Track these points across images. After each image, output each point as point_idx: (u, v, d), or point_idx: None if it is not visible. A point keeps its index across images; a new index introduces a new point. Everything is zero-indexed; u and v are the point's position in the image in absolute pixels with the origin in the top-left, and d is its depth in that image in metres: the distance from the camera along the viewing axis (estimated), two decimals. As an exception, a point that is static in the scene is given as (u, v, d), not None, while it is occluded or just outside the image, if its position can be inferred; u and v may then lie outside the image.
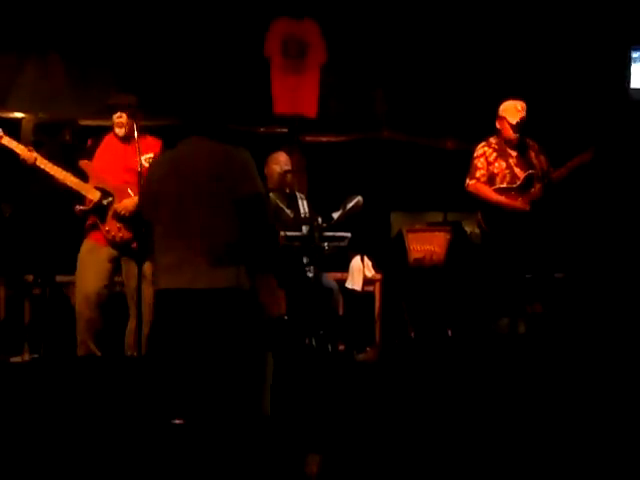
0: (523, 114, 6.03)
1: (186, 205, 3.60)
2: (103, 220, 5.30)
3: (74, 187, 5.26)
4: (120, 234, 5.27)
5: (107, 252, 5.32)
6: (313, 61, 7.72)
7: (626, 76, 7.63)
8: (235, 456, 3.52)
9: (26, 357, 6.22)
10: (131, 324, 5.34)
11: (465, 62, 7.73)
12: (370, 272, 6.88)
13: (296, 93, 7.69)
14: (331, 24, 7.69)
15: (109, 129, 5.48)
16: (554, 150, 6.27)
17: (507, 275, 5.99)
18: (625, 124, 7.29)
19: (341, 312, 6.56)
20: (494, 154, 6.11)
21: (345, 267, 6.75)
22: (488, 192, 6.05)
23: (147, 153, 5.21)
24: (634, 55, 7.62)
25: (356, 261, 6.70)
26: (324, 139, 7.85)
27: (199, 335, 3.55)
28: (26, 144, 5.36)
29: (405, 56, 7.75)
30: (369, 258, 6.82)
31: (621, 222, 7.22)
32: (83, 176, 5.32)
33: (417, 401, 4.80)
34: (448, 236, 6.85)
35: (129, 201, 5.24)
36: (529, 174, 6.05)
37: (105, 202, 5.30)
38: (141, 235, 4.93)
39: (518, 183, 6.05)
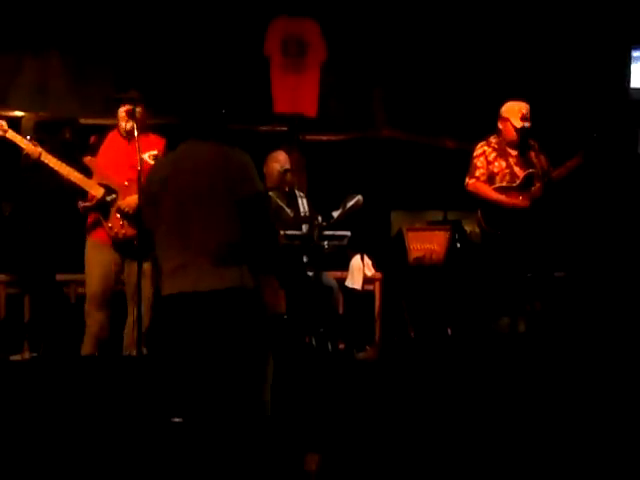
0: (529, 123, 6.01)
1: (187, 207, 3.60)
2: (106, 217, 5.30)
3: (78, 183, 5.26)
4: (123, 231, 5.27)
5: (110, 251, 5.32)
6: (313, 60, 7.73)
7: (626, 76, 7.64)
8: (237, 455, 3.52)
9: (26, 355, 6.22)
10: (129, 323, 5.34)
11: (465, 61, 7.73)
12: (370, 271, 6.88)
13: (296, 92, 7.70)
14: (331, 23, 7.70)
15: (110, 127, 5.49)
16: (554, 149, 6.27)
17: (507, 274, 5.99)
18: (625, 123, 7.30)
19: (341, 311, 6.56)
20: (494, 153, 6.11)
21: (345, 266, 6.75)
22: (488, 191, 6.05)
23: (150, 150, 5.21)
24: (634, 55, 7.63)
25: (356, 260, 6.69)
26: (324, 138, 7.85)
27: (206, 337, 3.55)
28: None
29: (405, 55, 7.75)
30: (369, 257, 6.82)
31: (621, 221, 7.22)
32: (87, 172, 5.32)
33: (417, 400, 4.80)
34: (448, 235, 6.85)
35: (132, 198, 5.23)
36: (529, 173, 6.05)
37: (109, 199, 5.29)
38: (143, 233, 4.93)
39: (518, 182, 6.05)
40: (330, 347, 5.99)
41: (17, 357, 6.19)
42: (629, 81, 7.65)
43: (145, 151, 5.13)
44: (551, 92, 7.52)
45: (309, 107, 7.72)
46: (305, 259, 5.85)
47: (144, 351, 4.99)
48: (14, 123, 5.30)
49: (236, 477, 3.52)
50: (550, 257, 6.24)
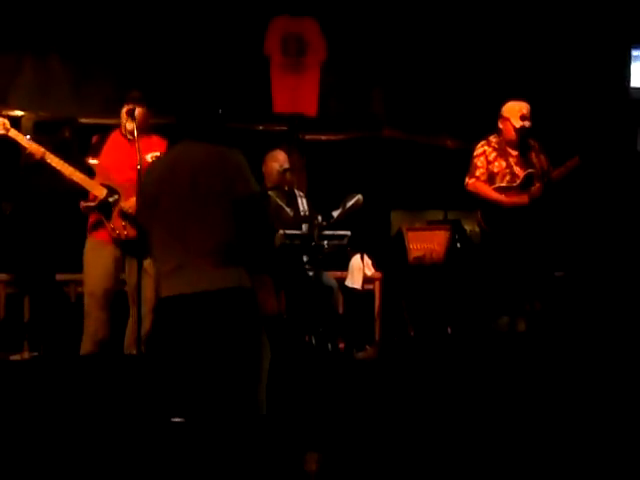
0: (529, 123, 6.02)
1: (184, 208, 3.60)
2: (108, 217, 5.29)
3: (80, 183, 5.25)
4: (125, 232, 5.26)
5: (111, 251, 5.31)
6: (313, 59, 7.73)
7: (626, 75, 7.64)
8: (235, 454, 3.52)
9: (26, 355, 6.22)
10: (131, 323, 5.34)
11: (465, 61, 7.73)
12: (370, 270, 6.89)
13: (296, 92, 7.70)
14: (331, 23, 7.70)
15: (110, 127, 5.48)
16: (554, 149, 6.27)
17: (507, 273, 5.99)
18: (625, 123, 7.30)
19: (341, 310, 6.57)
20: (494, 153, 6.11)
21: (345, 265, 6.75)
22: (488, 191, 6.05)
23: (153, 151, 5.20)
24: (634, 54, 7.63)
25: (356, 259, 6.70)
26: (324, 138, 7.85)
27: (206, 338, 3.55)
28: None
29: (405, 55, 7.76)
30: (369, 256, 6.82)
31: (621, 221, 7.22)
32: (89, 173, 5.31)
33: (417, 399, 4.80)
34: (448, 235, 6.85)
35: (135, 199, 5.22)
36: (529, 173, 6.05)
37: (111, 199, 5.28)
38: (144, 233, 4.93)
39: (518, 182, 6.05)
40: (330, 347, 5.99)
41: (17, 357, 6.19)
42: (629, 80, 7.65)
43: (147, 152, 5.12)
44: (551, 92, 7.52)
45: (309, 107, 7.72)
46: (305, 259, 5.86)
47: (144, 351, 4.99)
48: (14, 123, 5.28)
49: (234, 476, 3.53)
50: (550, 257, 6.24)
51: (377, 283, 7.03)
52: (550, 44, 7.69)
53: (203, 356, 3.55)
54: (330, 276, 6.31)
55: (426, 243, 6.86)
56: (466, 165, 6.16)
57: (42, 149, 5.18)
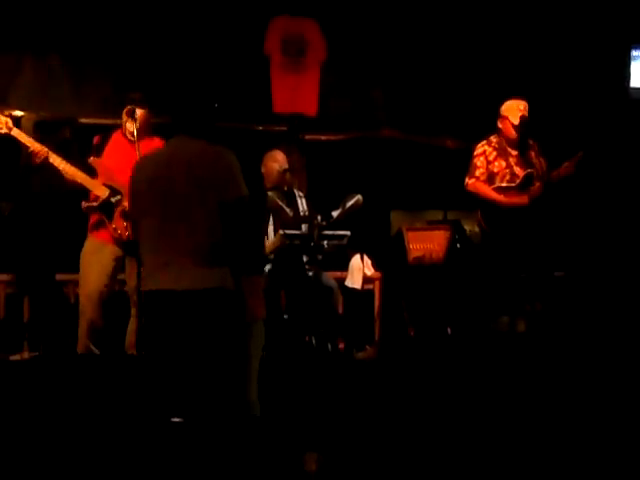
0: (525, 114, 6.03)
1: (172, 206, 3.61)
2: (110, 218, 5.28)
3: (83, 183, 5.24)
4: (127, 232, 5.24)
5: (112, 251, 5.30)
6: (313, 59, 7.73)
7: (626, 75, 7.64)
8: (223, 454, 3.53)
9: (26, 355, 6.22)
10: (132, 324, 5.34)
11: (465, 61, 7.73)
12: (370, 270, 6.89)
13: (296, 92, 7.69)
14: (331, 23, 7.69)
15: (110, 127, 5.48)
16: (554, 149, 6.27)
17: (507, 274, 5.99)
18: (625, 123, 7.30)
19: (341, 311, 6.56)
20: (494, 153, 6.11)
21: (345, 266, 6.75)
22: (487, 191, 6.05)
23: None
24: (634, 54, 7.63)
25: (356, 260, 6.70)
26: (324, 138, 7.84)
27: (183, 336, 3.56)
28: None
29: (405, 55, 7.76)
30: (369, 257, 6.82)
31: (621, 221, 7.22)
32: (91, 173, 5.31)
33: (417, 399, 4.80)
34: (448, 235, 6.85)
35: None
36: (529, 173, 6.05)
37: (113, 200, 5.27)
38: None
39: (518, 182, 6.06)
40: (330, 347, 5.99)
41: (17, 357, 6.19)
42: (629, 80, 7.65)
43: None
44: (551, 92, 7.52)
45: (309, 107, 7.72)
46: (305, 259, 5.86)
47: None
48: (14, 123, 5.28)
49: (235, 477, 3.53)
50: (550, 257, 6.24)
51: (377, 283, 7.03)
52: (550, 44, 7.69)
53: (182, 353, 3.56)
54: (330, 276, 6.31)
55: (426, 243, 6.86)
56: (466, 165, 6.16)
57: (46, 149, 5.17)
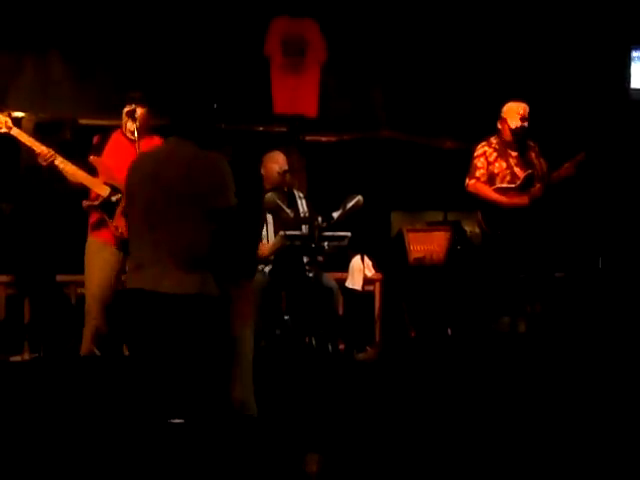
0: (524, 123, 6.03)
1: (160, 207, 3.63)
2: (111, 216, 5.27)
3: (84, 182, 5.24)
4: None
5: (113, 251, 5.30)
6: (313, 60, 7.72)
7: (626, 76, 7.63)
8: (218, 456, 3.54)
9: (26, 356, 6.22)
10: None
11: (465, 61, 7.73)
12: (370, 272, 6.88)
13: (296, 92, 7.69)
14: (331, 23, 7.69)
15: (110, 127, 5.48)
16: (554, 150, 6.28)
17: (507, 274, 5.99)
18: (625, 124, 7.30)
19: (341, 312, 6.56)
20: (494, 154, 6.11)
21: (345, 267, 6.75)
22: (488, 192, 6.06)
23: None
24: (634, 55, 7.62)
25: (356, 261, 6.69)
26: (324, 139, 7.84)
27: (162, 337, 3.59)
28: None
29: (405, 55, 7.75)
30: (369, 258, 6.82)
31: (621, 221, 7.22)
32: (92, 172, 5.30)
33: (417, 400, 4.80)
34: (448, 236, 6.85)
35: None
36: (529, 174, 6.06)
37: (114, 198, 5.26)
38: None
39: (518, 183, 6.06)
40: (330, 348, 5.99)
41: (17, 358, 6.18)
42: (629, 81, 7.65)
43: None
44: (551, 92, 7.52)
45: (309, 107, 7.72)
46: (305, 260, 5.86)
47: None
48: (14, 124, 5.27)
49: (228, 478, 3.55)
50: (550, 258, 6.24)
51: (377, 284, 7.03)
52: (550, 45, 7.69)
53: (158, 354, 3.58)
54: (330, 277, 6.30)
55: (426, 244, 6.86)
56: (466, 166, 6.17)
57: (52, 152, 5.15)
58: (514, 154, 6.11)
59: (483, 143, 6.15)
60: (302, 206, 6.33)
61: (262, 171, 6.40)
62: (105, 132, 5.47)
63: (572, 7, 7.65)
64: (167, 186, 3.62)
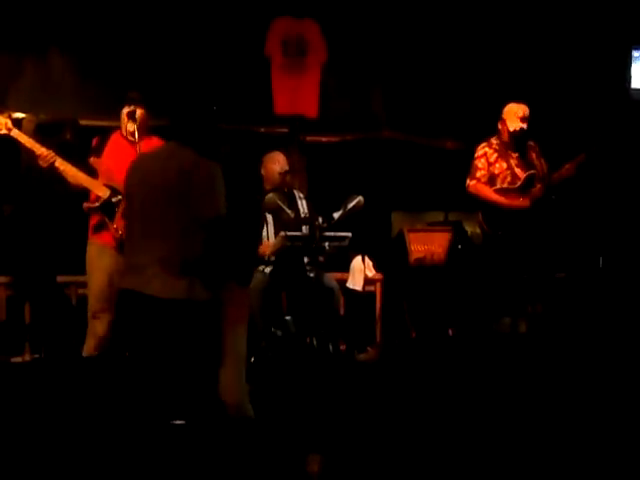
0: (524, 125, 6.03)
1: (152, 211, 3.68)
2: (112, 218, 5.27)
3: (84, 184, 5.24)
4: None
5: (114, 253, 5.29)
6: (313, 61, 7.72)
7: (627, 76, 7.63)
8: (216, 457, 3.56)
9: (27, 357, 6.22)
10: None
11: (465, 62, 7.72)
12: (371, 272, 6.88)
13: (296, 93, 7.69)
14: (331, 24, 7.69)
15: (111, 128, 5.47)
16: (555, 150, 6.28)
17: (508, 275, 6.00)
18: (625, 124, 7.29)
19: (342, 312, 6.55)
20: (495, 155, 6.12)
21: (346, 267, 6.74)
22: (488, 192, 6.06)
23: None
24: (635, 55, 7.62)
25: (357, 261, 6.69)
26: (324, 139, 7.84)
27: (148, 340, 3.62)
28: None
29: (405, 56, 7.75)
30: (370, 258, 6.82)
31: (622, 222, 7.22)
32: (91, 174, 5.30)
33: (418, 401, 4.80)
34: (449, 236, 6.86)
35: None
36: (530, 174, 6.06)
37: (114, 200, 5.26)
38: None
39: (519, 184, 6.06)
40: (331, 348, 5.99)
41: (18, 359, 6.18)
42: (630, 82, 7.65)
43: None
44: (552, 93, 7.52)
45: (309, 108, 7.71)
46: (306, 260, 5.86)
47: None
48: (15, 125, 5.27)
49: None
50: (551, 258, 6.24)
51: (378, 284, 7.03)
52: (551, 45, 7.69)
53: (145, 355, 3.61)
54: (331, 277, 6.30)
55: (427, 244, 6.86)
56: (467, 166, 6.17)
57: (53, 153, 5.15)
58: (515, 155, 6.11)
59: (484, 144, 6.15)
60: (302, 207, 6.33)
61: (262, 171, 6.40)
62: (104, 134, 5.46)
63: (572, 8, 7.65)
64: (161, 191, 3.67)
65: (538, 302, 6.18)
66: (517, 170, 6.09)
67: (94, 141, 5.42)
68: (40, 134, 6.43)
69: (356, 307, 6.66)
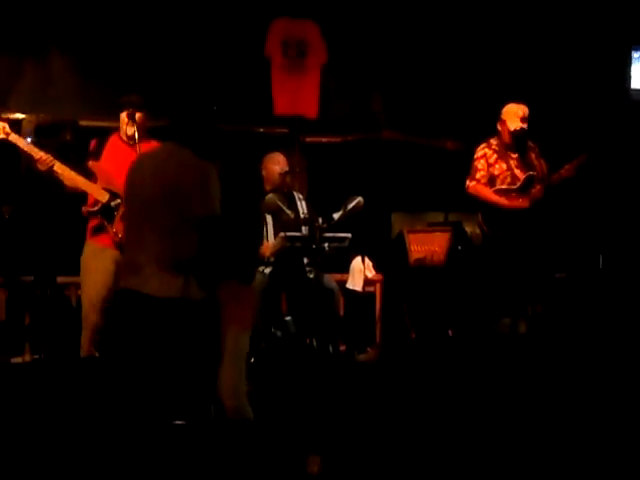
0: (524, 125, 6.03)
1: (148, 211, 3.73)
2: (111, 222, 5.26)
3: (83, 188, 5.24)
4: None
5: (112, 255, 5.28)
6: (313, 61, 7.72)
7: (627, 77, 7.63)
8: (215, 458, 3.57)
9: (27, 358, 6.22)
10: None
11: (465, 63, 7.73)
12: (371, 273, 6.88)
13: (296, 94, 7.69)
14: (331, 25, 7.69)
15: (109, 130, 5.47)
16: (555, 151, 6.28)
17: (508, 276, 5.99)
18: (625, 124, 7.29)
19: (342, 313, 6.56)
20: (494, 155, 6.12)
21: (346, 268, 6.74)
22: (488, 193, 6.06)
23: None
24: (635, 55, 7.62)
25: (357, 262, 6.69)
26: (324, 140, 7.84)
27: (144, 339, 3.64)
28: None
29: (405, 57, 7.75)
30: (370, 259, 6.82)
31: (621, 222, 7.22)
32: (90, 177, 5.30)
33: (417, 401, 4.80)
34: (449, 237, 6.85)
35: None
36: (529, 175, 6.06)
37: (113, 204, 5.25)
38: None
39: (518, 184, 6.06)
40: (331, 349, 5.99)
41: (18, 359, 6.18)
42: (630, 82, 7.64)
43: None
44: (552, 93, 7.52)
45: (309, 108, 7.72)
46: (306, 261, 5.86)
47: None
48: (15, 126, 5.27)
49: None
50: (551, 258, 6.24)
51: (378, 285, 7.03)
52: (550, 46, 7.69)
53: (142, 355, 3.63)
54: (331, 278, 6.31)
55: (427, 245, 6.86)
56: (466, 167, 6.17)
57: (51, 157, 5.14)
58: (514, 155, 6.11)
59: (483, 145, 6.15)
60: (302, 207, 6.34)
61: (263, 172, 6.40)
62: (102, 136, 5.46)
63: (572, 8, 7.65)
64: (159, 191, 3.69)
65: (538, 303, 6.18)
66: (517, 171, 6.09)
67: (92, 144, 5.40)
68: (40, 135, 6.45)
69: (356, 308, 6.67)
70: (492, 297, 6.07)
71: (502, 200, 6.03)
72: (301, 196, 6.51)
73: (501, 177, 6.08)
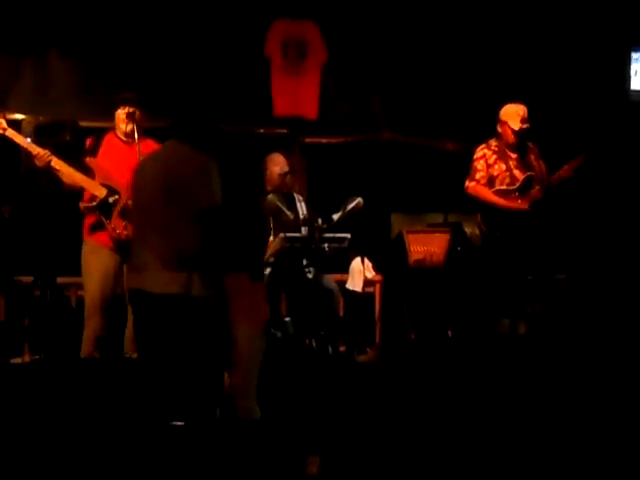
0: (527, 124, 6.03)
1: (151, 209, 3.75)
2: (108, 218, 5.27)
3: (81, 184, 5.25)
4: (125, 232, 5.22)
5: (111, 254, 5.30)
6: (313, 62, 7.72)
7: (626, 77, 7.63)
8: (217, 458, 3.57)
9: (26, 358, 6.22)
10: (130, 327, 5.33)
11: (465, 63, 7.73)
12: (370, 273, 6.88)
13: (296, 94, 7.69)
14: (331, 25, 7.69)
15: (109, 129, 5.48)
16: (554, 152, 6.28)
17: (507, 276, 6.00)
18: (625, 125, 7.29)
19: (341, 313, 6.56)
20: (494, 156, 6.12)
21: (345, 268, 6.74)
22: (487, 194, 6.06)
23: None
24: (634, 56, 7.62)
25: (356, 262, 6.69)
26: (324, 140, 7.84)
27: (151, 337, 3.65)
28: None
29: (405, 57, 7.75)
30: (369, 259, 6.82)
31: (621, 223, 7.22)
32: (88, 173, 5.30)
33: (417, 402, 4.80)
34: (448, 237, 6.85)
35: None
36: (528, 176, 6.06)
37: (111, 200, 5.27)
38: None
39: (517, 185, 6.06)
40: (331, 350, 5.99)
41: (18, 360, 6.19)
42: (629, 83, 7.65)
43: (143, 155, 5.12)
44: (551, 94, 7.52)
45: (309, 109, 7.71)
46: (305, 262, 5.86)
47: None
48: (14, 126, 5.28)
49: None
50: (550, 259, 6.24)
51: (377, 286, 7.03)
52: (550, 46, 7.69)
53: (150, 351, 3.65)
54: (330, 279, 6.31)
55: (426, 246, 6.86)
56: (466, 168, 6.17)
57: (49, 153, 5.16)
58: (513, 156, 6.11)
59: (482, 145, 6.15)
60: (302, 208, 6.34)
61: (264, 173, 6.41)
62: (98, 134, 5.47)
63: (572, 8, 7.65)
64: (162, 189, 3.70)
65: (537, 303, 6.18)
66: (516, 172, 6.09)
67: (88, 141, 5.42)
68: (39, 135, 6.44)
69: (355, 308, 6.66)
70: (491, 298, 6.07)
71: (501, 201, 6.04)
72: (301, 197, 6.51)
73: (500, 178, 6.08)
